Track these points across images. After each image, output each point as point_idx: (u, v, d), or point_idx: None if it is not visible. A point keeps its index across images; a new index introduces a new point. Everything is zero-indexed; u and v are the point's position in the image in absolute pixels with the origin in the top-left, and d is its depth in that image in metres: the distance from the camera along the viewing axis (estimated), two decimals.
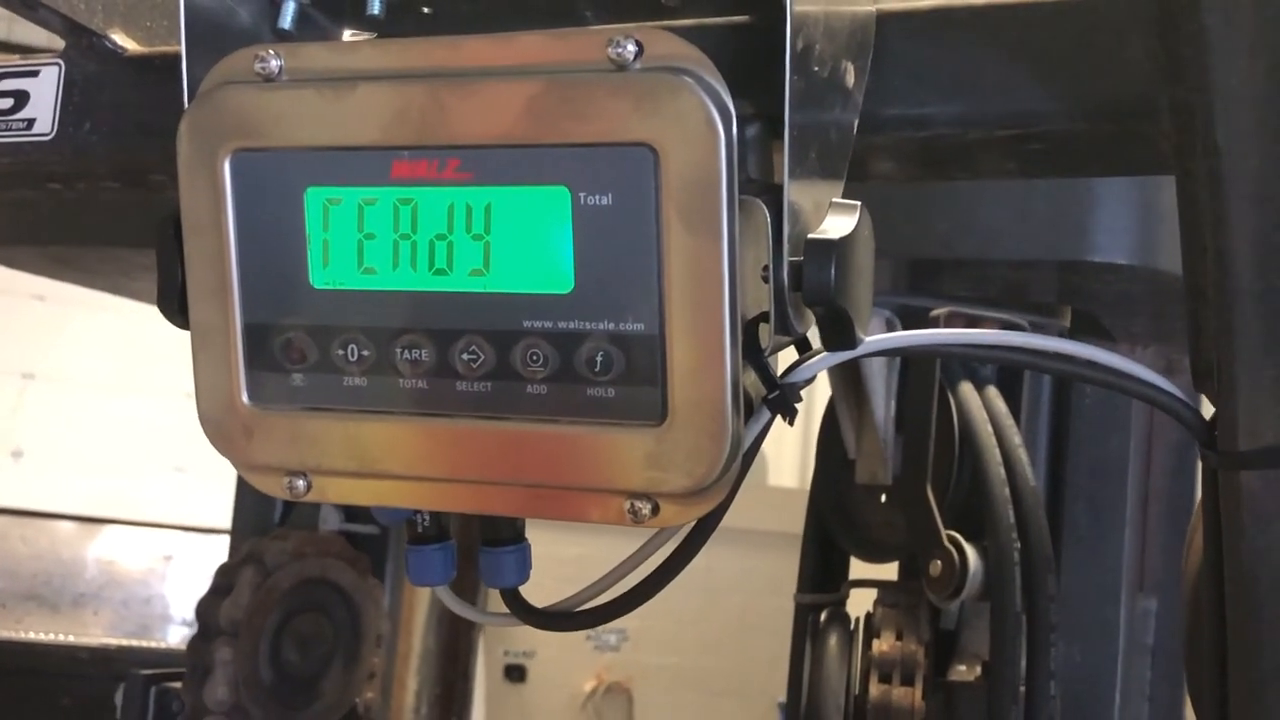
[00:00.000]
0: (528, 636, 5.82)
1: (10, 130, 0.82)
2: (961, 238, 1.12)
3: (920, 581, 1.28)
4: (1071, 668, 1.34)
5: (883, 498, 1.37)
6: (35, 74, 0.82)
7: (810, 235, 0.57)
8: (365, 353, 0.63)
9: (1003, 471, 1.26)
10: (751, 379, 0.60)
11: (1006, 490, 1.25)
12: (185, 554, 5.66)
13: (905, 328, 1.29)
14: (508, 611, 0.70)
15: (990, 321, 1.31)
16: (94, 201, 1.21)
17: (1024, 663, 1.22)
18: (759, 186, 0.61)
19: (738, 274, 0.57)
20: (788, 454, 5.38)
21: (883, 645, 1.26)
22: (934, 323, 1.30)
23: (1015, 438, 1.28)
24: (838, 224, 0.58)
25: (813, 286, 0.57)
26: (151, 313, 0.72)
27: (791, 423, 0.60)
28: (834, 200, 0.60)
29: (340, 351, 0.63)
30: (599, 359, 0.59)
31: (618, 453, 0.59)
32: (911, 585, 1.31)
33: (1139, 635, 1.41)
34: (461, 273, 0.61)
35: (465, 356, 0.61)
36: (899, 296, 1.30)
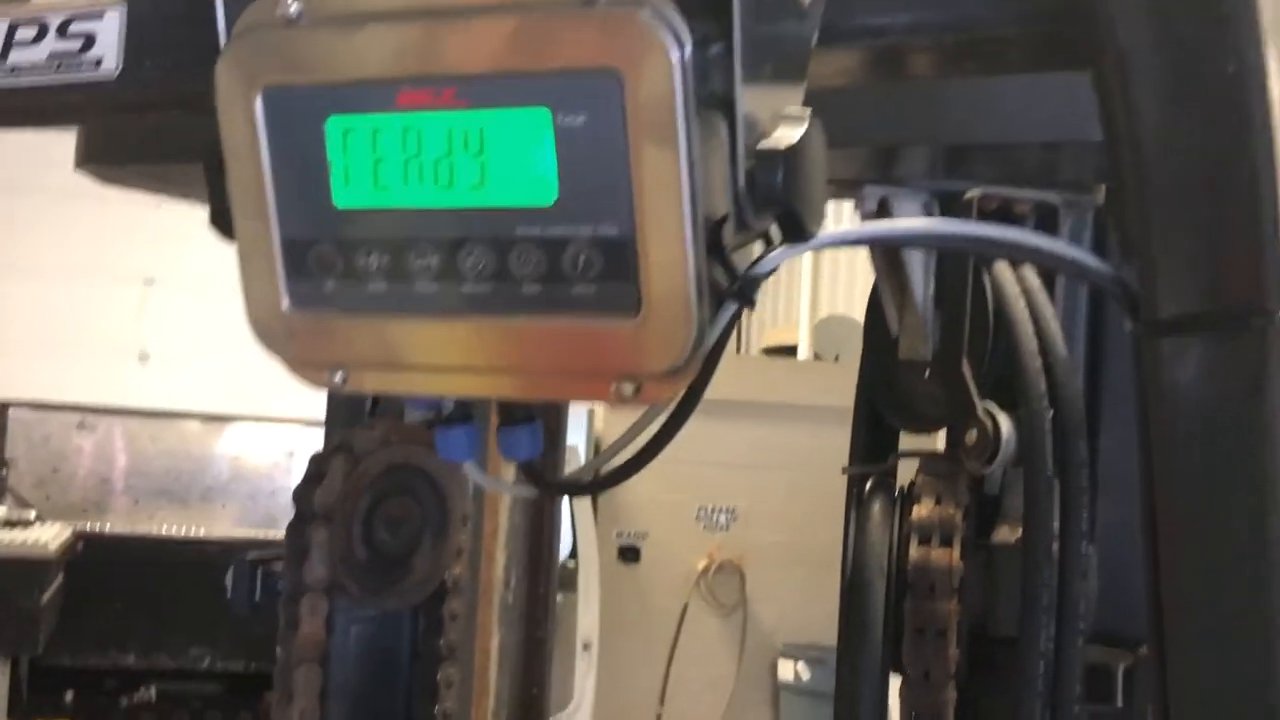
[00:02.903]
0: (640, 519, 5.97)
1: (82, 69, 0.92)
2: (978, 122, 1.17)
3: (960, 450, 1.35)
4: (1111, 525, 1.40)
5: (926, 372, 1.44)
6: (100, 16, 0.92)
7: (760, 145, 0.65)
8: (384, 261, 0.72)
9: (1035, 342, 1.32)
10: (719, 273, 0.68)
11: (1039, 361, 1.31)
12: (307, 447, 5.88)
13: (942, 210, 1.35)
14: (525, 481, 0.79)
15: (1021, 202, 1.36)
16: (173, 121, 1.31)
17: (1057, 524, 1.29)
18: (719, 100, 0.68)
19: (698, 181, 0.64)
20: None
21: (922, 510, 1.34)
22: (967, 205, 1.35)
23: (1048, 309, 1.34)
24: (786, 134, 0.65)
25: (763, 190, 0.65)
26: None
27: (753, 309, 0.68)
28: (785, 111, 0.67)
29: (363, 261, 0.72)
30: (581, 260, 0.67)
31: (602, 341, 0.68)
32: (952, 454, 1.39)
33: None
34: (462, 188, 0.69)
35: (469, 262, 0.70)
36: (935, 180, 1.36)
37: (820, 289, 8.27)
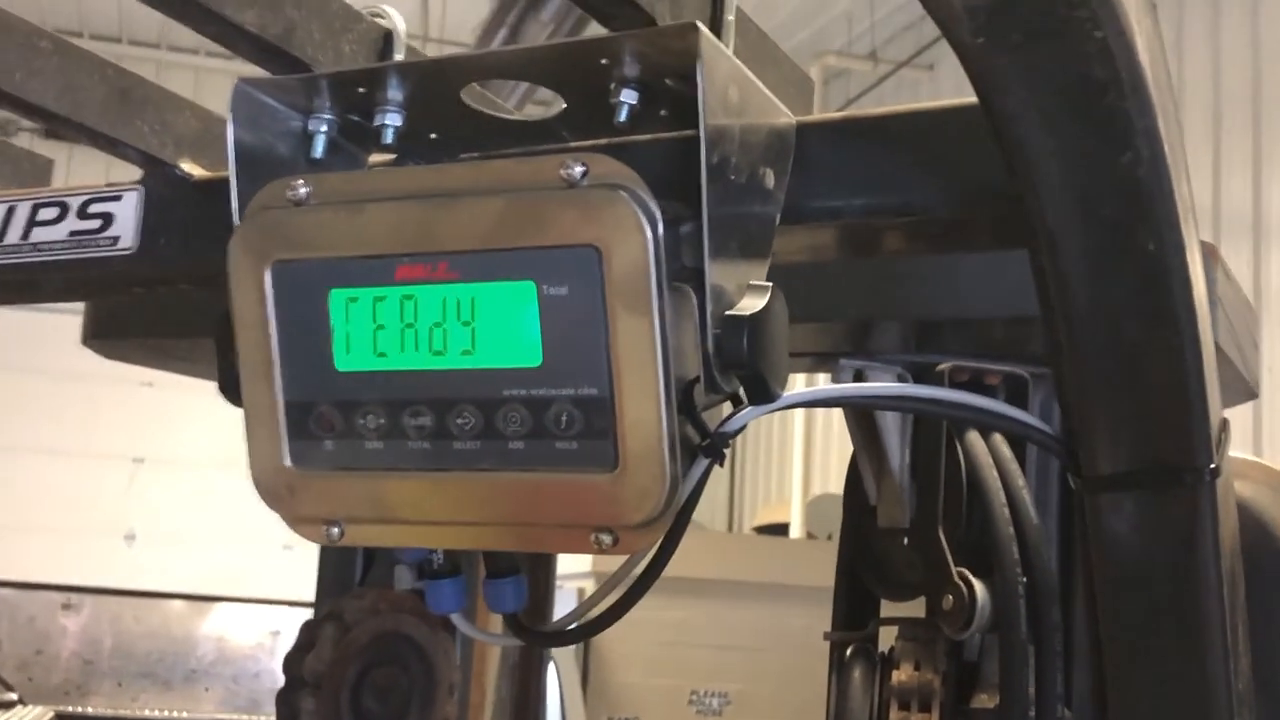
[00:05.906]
0: (631, 701, 5.91)
1: (99, 246, 0.98)
2: (944, 298, 1.24)
3: (938, 616, 1.38)
4: (1087, 690, 1.43)
5: (905, 540, 1.48)
6: (119, 198, 0.99)
7: (726, 313, 0.71)
8: (381, 421, 0.77)
9: (1007, 511, 1.36)
10: (691, 431, 0.73)
11: (1011, 529, 1.36)
12: (292, 628, 5.85)
13: (915, 382, 1.41)
14: (507, 633, 0.83)
15: (992, 374, 1.42)
16: (181, 297, 1.37)
17: (1033, 689, 1.32)
18: (691, 273, 0.74)
19: (670, 347, 0.70)
20: None
21: (901, 675, 1.37)
22: (939, 376, 1.41)
23: (1019, 479, 1.39)
24: (750, 303, 0.71)
25: (729, 354, 0.70)
26: None
27: (722, 465, 0.73)
28: (750, 283, 0.73)
29: (361, 421, 0.78)
30: (564, 419, 0.73)
31: (582, 495, 0.73)
32: (931, 620, 1.42)
33: None
34: (454, 353, 0.75)
35: (459, 421, 0.75)
36: (909, 354, 1.42)
37: (812, 467, 8.31)
